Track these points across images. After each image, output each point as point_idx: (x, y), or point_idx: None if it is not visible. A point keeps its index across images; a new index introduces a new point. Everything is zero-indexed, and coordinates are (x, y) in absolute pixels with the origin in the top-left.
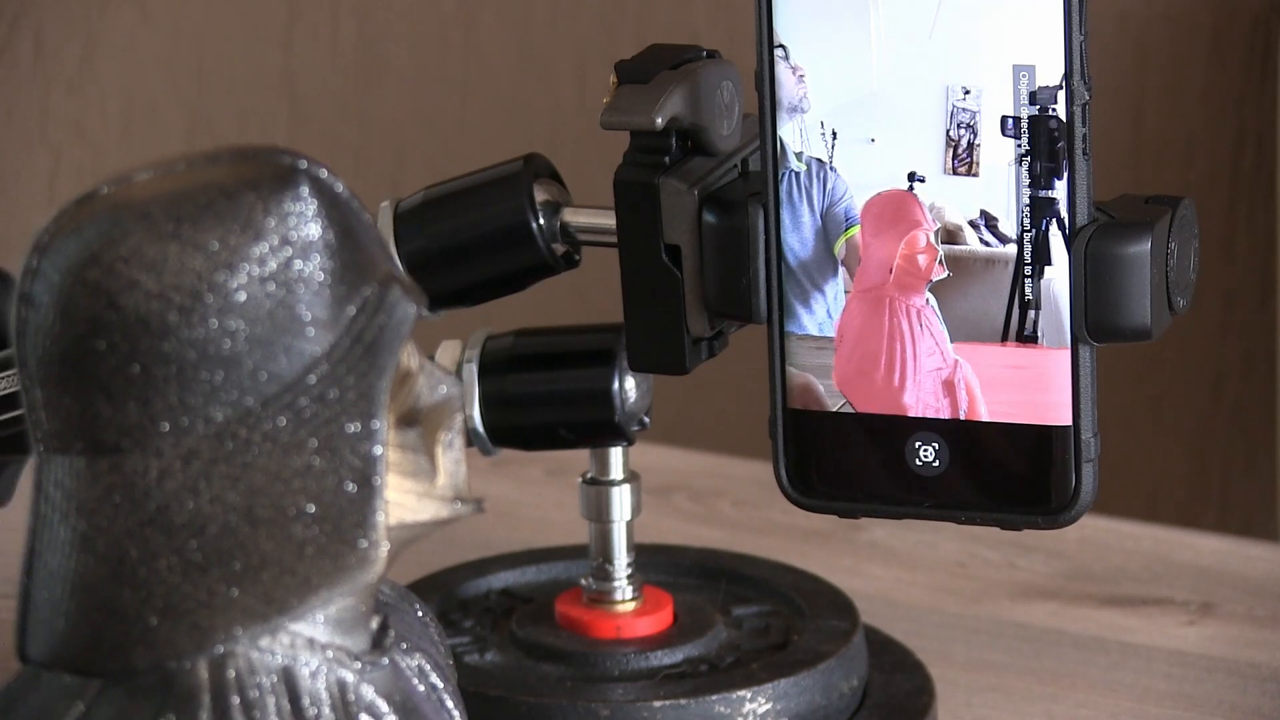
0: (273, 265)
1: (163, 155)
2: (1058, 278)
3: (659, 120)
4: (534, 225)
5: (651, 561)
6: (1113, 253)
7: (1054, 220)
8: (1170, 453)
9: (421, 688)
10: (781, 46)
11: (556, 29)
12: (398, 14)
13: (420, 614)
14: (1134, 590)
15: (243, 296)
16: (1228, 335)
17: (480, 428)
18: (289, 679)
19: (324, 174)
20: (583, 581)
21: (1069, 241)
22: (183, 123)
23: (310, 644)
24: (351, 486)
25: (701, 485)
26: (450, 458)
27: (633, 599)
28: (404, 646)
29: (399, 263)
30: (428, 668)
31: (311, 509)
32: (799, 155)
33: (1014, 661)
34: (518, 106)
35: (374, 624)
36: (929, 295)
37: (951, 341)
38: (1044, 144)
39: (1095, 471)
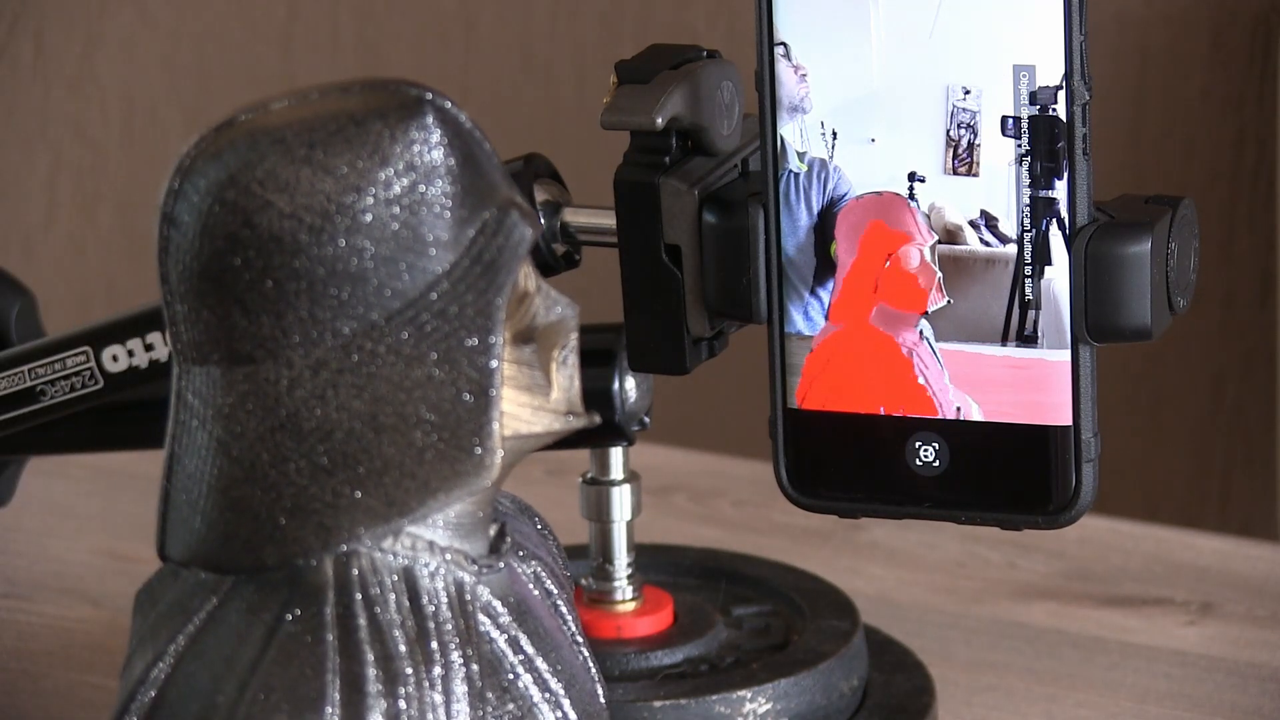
0: (397, 189)
1: (298, 87)
2: (1058, 278)
3: (659, 120)
4: None
5: (651, 561)
6: (1113, 253)
7: (1054, 220)
8: (1170, 453)
9: (537, 592)
10: (783, 44)
11: (556, 29)
12: (398, 14)
13: (540, 527)
14: (1134, 590)
15: (369, 218)
16: (1228, 335)
17: None
18: (409, 578)
19: (449, 105)
20: (583, 581)
21: (1069, 241)
22: (183, 123)
23: (430, 546)
24: (469, 397)
25: (701, 485)
26: (564, 374)
27: (633, 599)
28: (521, 554)
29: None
30: (544, 575)
31: (431, 417)
32: (801, 155)
33: (1014, 661)
34: (518, 106)
35: (492, 531)
36: (924, 325)
37: (939, 342)
38: (1044, 144)
39: (1095, 471)
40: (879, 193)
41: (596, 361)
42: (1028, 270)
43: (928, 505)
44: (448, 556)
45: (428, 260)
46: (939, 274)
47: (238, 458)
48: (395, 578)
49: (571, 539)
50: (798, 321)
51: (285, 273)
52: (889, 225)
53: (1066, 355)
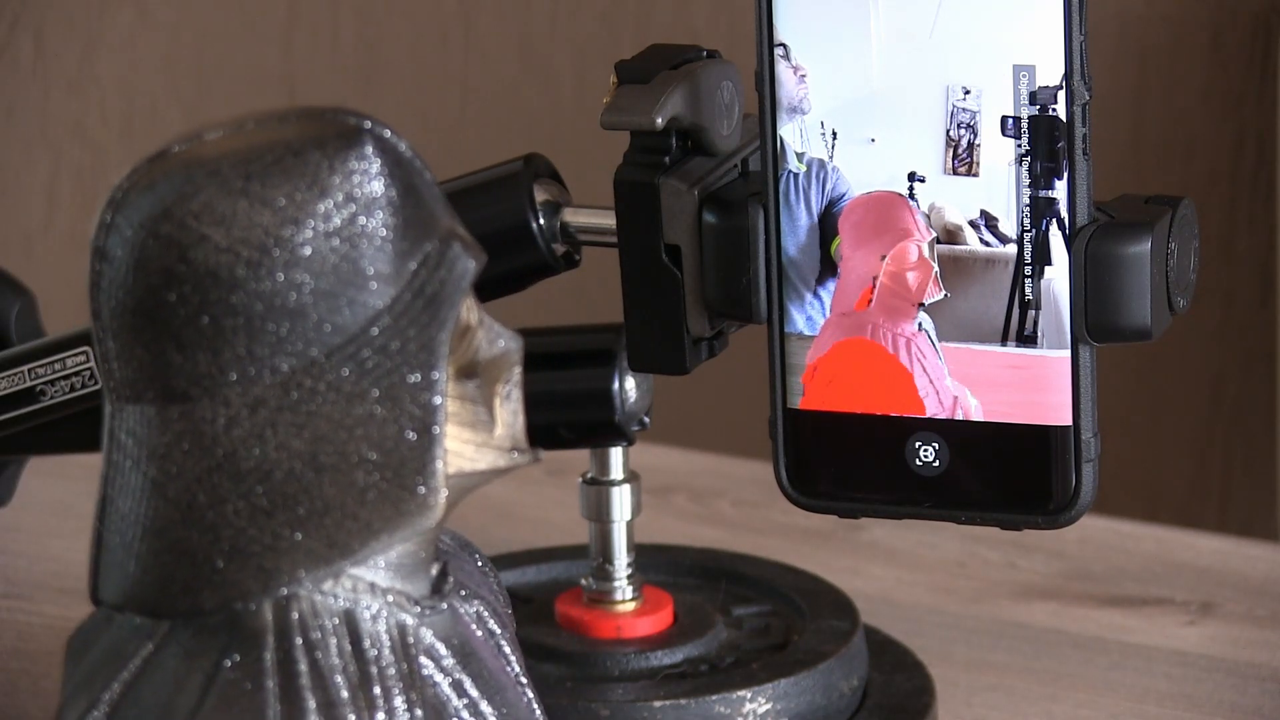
0: (337, 221)
1: (231, 114)
2: (1058, 278)
3: (659, 120)
4: (534, 225)
5: (651, 561)
6: (1113, 253)
7: (1054, 220)
8: (1170, 453)
9: (480, 633)
10: (782, 45)
11: (556, 29)
12: (398, 14)
13: (480, 563)
14: (1134, 590)
15: (308, 251)
16: (1228, 335)
17: None
18: (351, 621)
19: (387, 133)
20: (583, 581)
21: (1069, 241)
22: (183, 123)
23: (372, 588)
24: (412, 435)
25: (701, 485)
26: (508, 409)
27: (633, 599)
28: (463, 593)
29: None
30: (486, 614)
31: (373, 456)
32: (800, 156)
33: (1014, 661)
34: (518, 106)
35: (434, 570)
36: (922, 318)
37: (941, 342)
38: (1044, 144)
39: (1095, 471)
40: (880, 191)
41: (596, 361)
42: (1028, 270)
43: (928, 505)
44: (390, 598)
45: (368, 294)
46: (936, 268)
47: (174, 499)
48: (336, 621)
49: (571, 539)
50: (798, 321)
51: (222, 308)
52: (890, 223)
53: (1066, 355)
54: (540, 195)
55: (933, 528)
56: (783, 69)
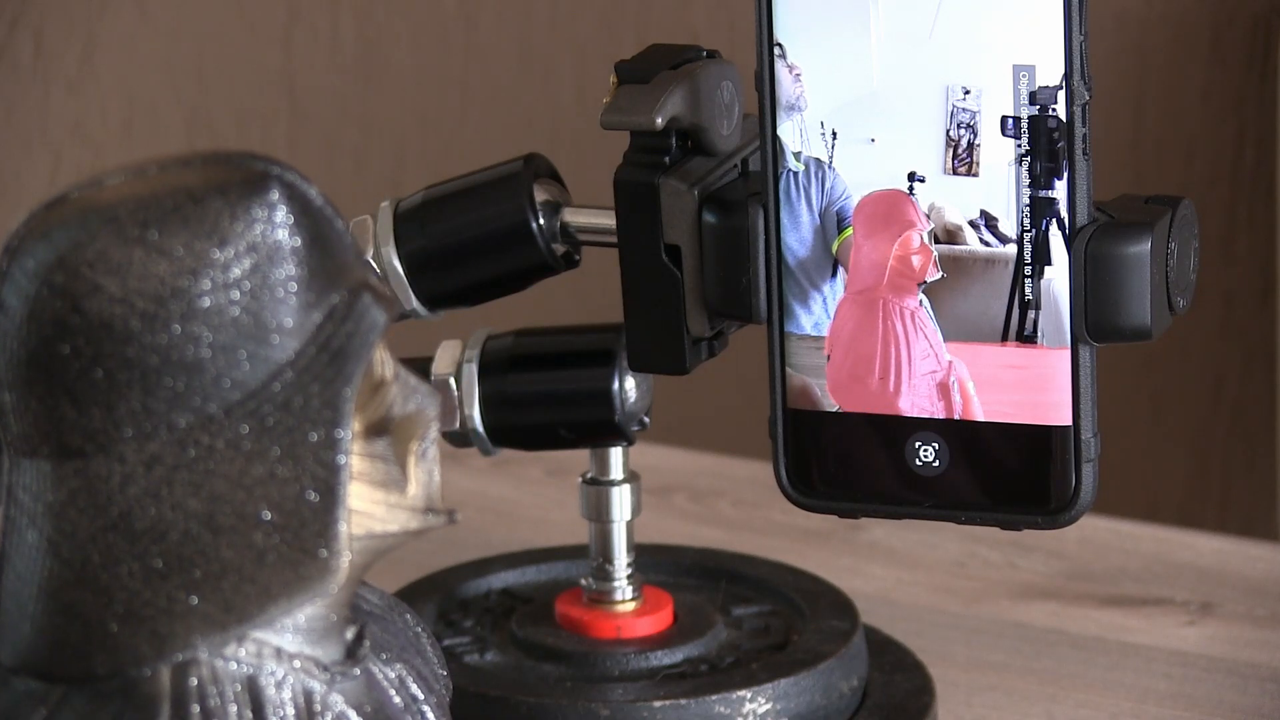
0: (237, 272)
1: (135, 159)
2: (1058, 278)
3: (659, 120)
4: (534, 225)
5: (651, 561)
6: (1113, 253)
7: (1054, 220)
8: (1170, 453)
9: (399, 699)
10: (780, 45)
11: (556, 29)
12: (398, 14)
13: (413, 624)
14: (1134, 590)
15: (207, 303)
16: (1228, 335)
17: (480, 428)
18: (253, 688)
19: (296, 179)
20: (583, 581)
21: (1069, 241)
22: (183, 123)
23: (277, 653)
24: (313, 495)
25: (701, 485)
26: (423, 468)
27: (633, 599)
28: (384, 657)
29: (376, 268)
30: (409, 679)
31: (273, 517)
32: (798, 155)
33: (1014, 661)
34: (518, 106)
35: (349, 634)
36: (922, 296)
37: (946, 341)
38: (1044, 144)
39: (1095, 471)
40: (886, 190)
41: (596, 361)
42: (1028, 270)
43: (928, 505)
44: (296, 664)
45: (270, 349)
46: (935, 252)
47: (68, 559)
48: (238, 688)
49: (571, 539)
50: (798, 321)
51: (116, 362)
52: (897, 215)
53: (1066, 355)
54: (540, 195)
55: (933, 528)
56: (782, 69)
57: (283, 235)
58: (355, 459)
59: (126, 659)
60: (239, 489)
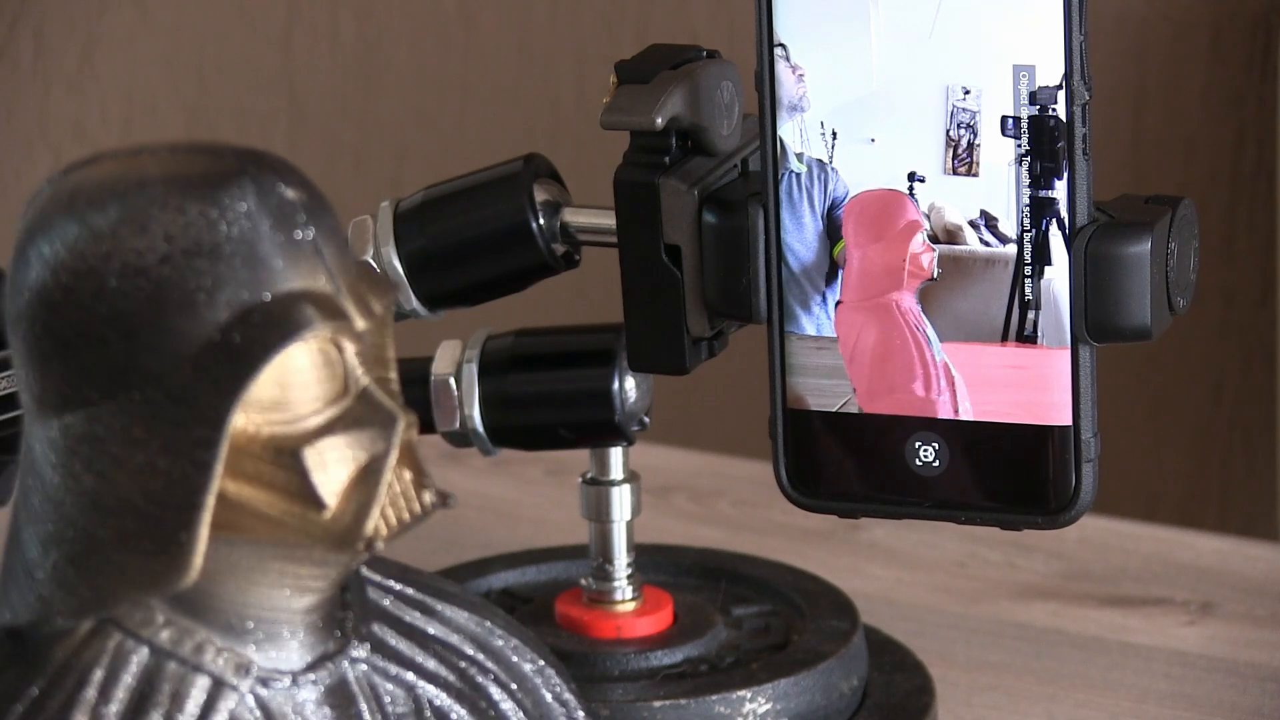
0: (149, 260)
1: (147, 140)
2: (1058, 278)
3: (659, 120)
4: (534, 225)
5: (651, 561)
6: (1113, 253)
7: (1054, 220)
8: (1170, 453)
9: (401, 709)
10: (781, 46)
11: (556, 29)
12: (398, 14)
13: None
14: (1134, 590)
15: (114, 283)
16: (1228, 335)
17: (480, 428)
18: (152, 675)
19: (275, 182)
20: (583, 581)
21: (1069, 241)
22: (183, 123)
23: (213, 649)
24: (180, 491)
25: (701, 485)
26: (361, 492)
27: (633, 599)
28: (392, 671)
29: (340, 282)
30: (427, 688)
31: (144, 506)
32: (799, 156)
33: (1014, 661)
34: (518, 106)
35: (329, 645)
36: (916, 296)
37: (945, 342)
38: (1044, 144)
39: (1095, 471)
40: (884, 189)
41: (596, 361)
42: (1027, 270)
43: (928, 505)
44: (221, 661)
45: (171, 340)
46: (935, 250)
47: (13, 512)
48: (135, 670)
49: (571, 539)
50: (798, 321)
51: (46, 329)
52: (902, 215)
53: (1066, 355)
54: (540, 195)
55: (933, 528)
56: (782, 69)
57: (203, 234)
58: (268, 465)
59: (14, 618)
60: (123, 473)
